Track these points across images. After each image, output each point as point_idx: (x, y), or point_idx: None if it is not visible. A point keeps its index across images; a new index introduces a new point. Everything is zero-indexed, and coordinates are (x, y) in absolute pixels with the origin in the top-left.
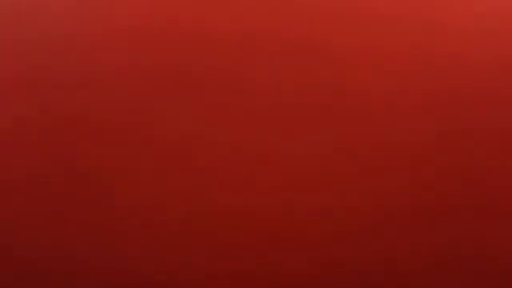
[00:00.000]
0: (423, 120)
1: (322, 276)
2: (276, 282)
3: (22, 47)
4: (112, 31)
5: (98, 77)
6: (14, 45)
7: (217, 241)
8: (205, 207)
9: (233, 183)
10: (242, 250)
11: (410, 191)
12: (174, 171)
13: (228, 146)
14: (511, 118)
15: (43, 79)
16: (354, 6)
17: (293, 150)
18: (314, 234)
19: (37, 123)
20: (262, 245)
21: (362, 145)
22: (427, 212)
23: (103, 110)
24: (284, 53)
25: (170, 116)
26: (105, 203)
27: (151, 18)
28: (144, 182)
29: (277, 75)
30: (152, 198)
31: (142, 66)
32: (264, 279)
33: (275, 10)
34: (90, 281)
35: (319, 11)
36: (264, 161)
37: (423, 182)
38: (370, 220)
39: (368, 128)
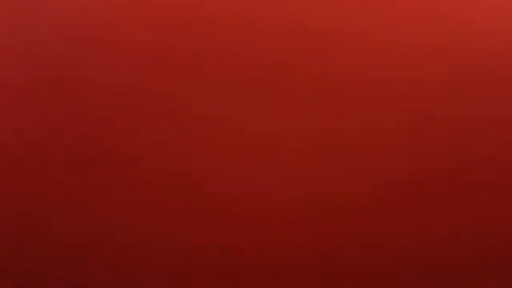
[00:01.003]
0: (423, 105)
1: (320, 257)
2: (274, 264)
3: (24, 49)
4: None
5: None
6: (14, 47)
7: (217, 218)
8: (203, 184)
9: (232, 158)
10: (240, 231)
11: (410, 173)
12: (177, 150)
13: (228, 129)
14: (510, 106)
15: (46, 81)
16: None
17: (292, 130)
18: (311, 215)
19: (38, 130)
20: (259, 226)
21: (361, 135)
22: (427, 194)
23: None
24: (286, 40)
25: (173, 96)
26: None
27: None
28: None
29: (278, 64)
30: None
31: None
32: (261, 260)
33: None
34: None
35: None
36: (264, 141)
37: (425, 165)
38: (370, 202)
39: (368, 111)
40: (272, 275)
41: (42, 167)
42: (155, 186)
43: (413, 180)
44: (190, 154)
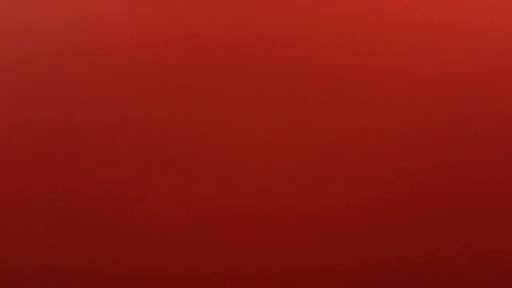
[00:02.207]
0: (422, 114)
1: (318, 273)
2: (272, 278)
3: (19, 58)
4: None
5: (95, 86)
6: (10, 56)
7: (215, 237)
8: (204, 205)
9: (233, 178)
10: (239, 246)
11: (409, 187)
12: (176, 171)
13: (227, 141)
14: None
15: (40, 89)
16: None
17: (290, 144)
18: (310, 230)
19: (34, 132)
20: (258, 242)
21: (360, 139)
22: (427, 209)
23: (101, 119)
24: (283, 49)
25: (169, 116)
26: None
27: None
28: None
29: (275, 71)
30: (151, 198)
31: (140, 70)
32: (260, 275)
33: (272, 5)
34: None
35: (317, 4)
36: (261, 156)
37: (423, 178)
38: (369, 216)
39: (366, 122)
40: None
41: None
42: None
43: (412, 185)
44: (188, 159)
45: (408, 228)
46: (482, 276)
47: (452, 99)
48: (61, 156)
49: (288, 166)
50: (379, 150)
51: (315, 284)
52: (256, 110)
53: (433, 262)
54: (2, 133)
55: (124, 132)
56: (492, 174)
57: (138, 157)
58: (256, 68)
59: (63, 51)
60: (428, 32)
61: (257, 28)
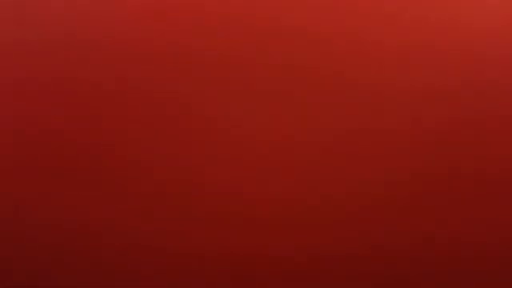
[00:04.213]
0: (416, 112)
1: (310, 262)
2: (264, 268)
3: (19, 51)
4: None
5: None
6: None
7: (212, 221)
8: (200, 192)
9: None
10: (232, 233)
11: (402, 181)
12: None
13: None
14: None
15: (39, 83)
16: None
17: (284, 138)
18: (303, 221)
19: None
20: (252, 230)
21: (355, 134)
22: (420, 201)
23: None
24: (281, 44)
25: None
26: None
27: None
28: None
29: (273, 67)
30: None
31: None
32: (252, 264)
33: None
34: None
35: (318, 1)
36: (254, 150)
37: (419, 174)
38: (364, 207)
39: (361, 118)
40: (271, 276)
41: (33, 167)
42: (151, 187)
43: (411, 180)
44: (189, 155)
45: (407, 223)
46: (483, 267)
47: (452, 98)
48: (63, 153)
49: (279, 157)
50: (377, 146)
51: (313, 276)
52: (256, 104)
53: (435, 257)
54: (1, 129)
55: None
56: (489, 172)
57: (151, 129)
58: (256, 62)
59: (66, 44)
60: (428, 32)
61: (257, 23)
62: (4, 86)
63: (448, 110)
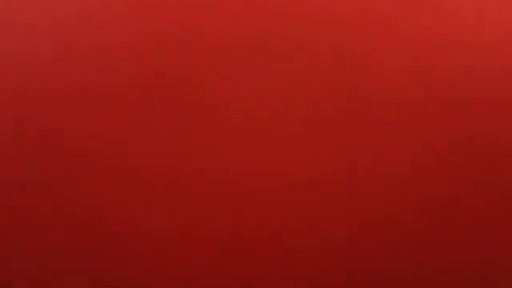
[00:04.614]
0: (426, 124)
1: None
2: (274, 252)
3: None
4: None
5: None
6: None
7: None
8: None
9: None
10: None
11: (412, 197)
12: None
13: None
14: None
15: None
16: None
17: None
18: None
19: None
20: (258, 209)
21: (364, 145)
22: (432, 215)
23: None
24: (292, 52)
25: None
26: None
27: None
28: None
29: (282, 75)
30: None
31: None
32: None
33: (281, 8)
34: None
35: (328, 9)
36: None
37: (427, 187)
38: (374, 222)
39: (371, 130)
40: (272, 263)
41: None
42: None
43: (414, 178)
44: (187, 140)
45: (412, 234)
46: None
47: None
48: (54, 162)
49: (287, 141)
50: (381, 141)
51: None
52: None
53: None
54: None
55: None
56: (493, 181)
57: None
58: (262, 74)
59: (63, 51)
60: (427, 46)
61: (258, 25)
62: (4, 86)
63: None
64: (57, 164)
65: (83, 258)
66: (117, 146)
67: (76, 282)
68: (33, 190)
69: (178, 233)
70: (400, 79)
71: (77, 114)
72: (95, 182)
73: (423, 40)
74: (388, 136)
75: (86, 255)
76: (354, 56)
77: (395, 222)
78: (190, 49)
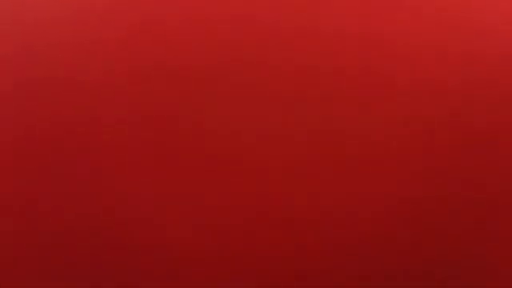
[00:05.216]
0: (431, 120)
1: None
2: (274, 264)
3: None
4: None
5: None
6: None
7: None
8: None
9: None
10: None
11: (414, 192)
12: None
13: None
14: None
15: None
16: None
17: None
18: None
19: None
20: (259, 226)
21: (363, 136)
22: (432, 213)
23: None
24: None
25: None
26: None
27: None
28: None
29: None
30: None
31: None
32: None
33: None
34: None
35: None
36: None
37: (432, 183)
38: (375, 221)
39: (369, 120)
40: (271, 275)
41: (37, 164)
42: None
43: (419, 174)
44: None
45: (412, 233)
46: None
47: (455, 98)
48: (58, 157)
49: (290, 155)
50: (382, 145)
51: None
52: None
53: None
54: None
55: (127, 127)
56: (496, 177)
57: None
58: (259, 65)
59: (59, 47)
60: (432, 32)
61: (258, 25)
62: (4, 86)
63: (452, 109)
64: (57, 164)
65: (85, 258)
66: (117, 144)
67: (76, 282)
68: (34, 189)
69: (182, 239)
70: (400, 82)
71: (76, 113)
72: (95, 182)
73: (421, 46)
74: (392, 131)
75: (87, 255)
76: (354, 61)
77: (395, 221)
78: (192, 45)
